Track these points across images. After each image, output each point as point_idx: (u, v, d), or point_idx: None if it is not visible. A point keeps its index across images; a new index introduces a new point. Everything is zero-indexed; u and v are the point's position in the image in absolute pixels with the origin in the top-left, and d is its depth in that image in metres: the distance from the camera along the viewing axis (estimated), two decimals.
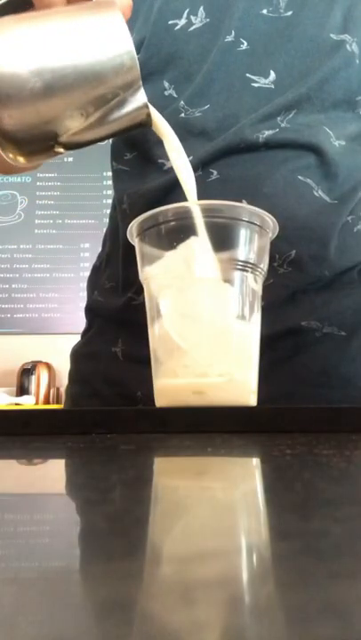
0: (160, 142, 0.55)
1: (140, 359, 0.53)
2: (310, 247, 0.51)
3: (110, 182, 0.64)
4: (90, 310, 0.63)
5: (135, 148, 0.58)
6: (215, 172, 0.51)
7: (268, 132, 0.51)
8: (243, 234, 0.39)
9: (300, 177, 0.51)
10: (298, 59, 0.53)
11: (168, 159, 0.53)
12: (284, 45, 0.53)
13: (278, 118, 0.52)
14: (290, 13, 0.53)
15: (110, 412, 0.31)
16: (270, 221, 0.40)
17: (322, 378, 0.51)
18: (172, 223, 0.39)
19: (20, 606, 0.08)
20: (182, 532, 0.12)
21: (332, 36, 0.53)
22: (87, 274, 0.67)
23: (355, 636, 0.07)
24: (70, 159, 2.48)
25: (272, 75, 0.53)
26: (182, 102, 0.54)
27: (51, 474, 0.22)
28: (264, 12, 0.54)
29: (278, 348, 0.51)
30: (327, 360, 0.52)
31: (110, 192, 0.87)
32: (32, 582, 0.09)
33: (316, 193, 0.51)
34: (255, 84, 0.53)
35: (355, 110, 0.55)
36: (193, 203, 0.39)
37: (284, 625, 0.07)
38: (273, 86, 0.53)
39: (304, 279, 0.51)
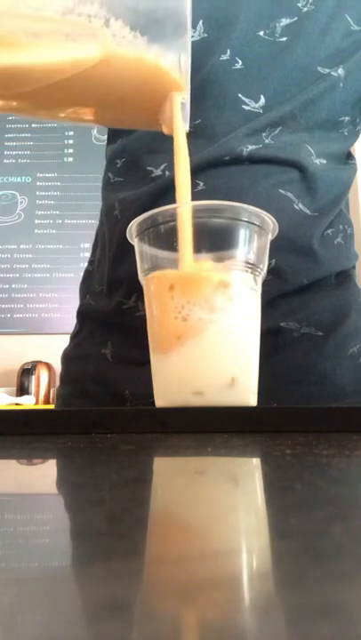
0: (151, 151, 0.57)
1: (128, 360, 0.56)
2: (289, 257, 0.53)
3: None
4: (81, 313, 0.64)
5: (124, 154, 0.60)
6: (201, 184, 0.53)
7: (251, 147, 0.53)
8: (242, 234, 0.39)
9: (281, 190, 0.53)
10: (286, 86, 0.54)
11: (156, 167, 0.55)
12: (275, 72, 0.54)
13: (263, 134, 0.54)
14: (284, 39, 0.55)
15: (110, 412, 0.31)
16: (270, 221, 0.40)
17: (300, 375, 0.54)
18: (172, 223, 0.39)
19: (20, 606, 0.08)
20: (182, 532, 0.12)
21: (319, 69, 0.55)
22: None
23: (355, 636, 0.07)
24: (70, 159, 2.48)
25: (262, 100, 0.54)
26: None
27: (51, 474, 0.22)
28: (261, 33, 0.55)
29: (259, 348, 0.52)
30: (305, 359, 0.54)
31: None
32: (32, 582, 0.09)
33: (296, 206, 0.53)
34: (246, 107, 0.55)
35: (339, 130, 0.57)
36: (193, 203, 0.39)
37: (284, 625, 0.07)
38: (261, 111, 0.54)
39: (284, 286, 0.53)
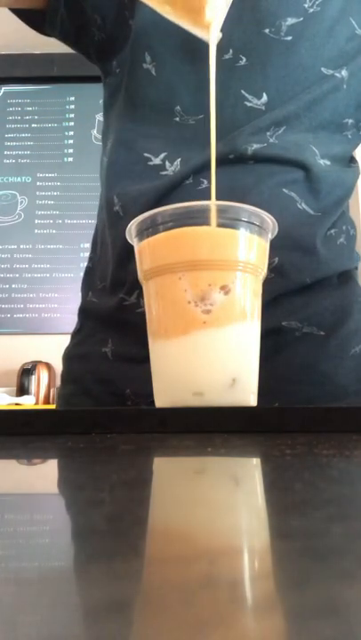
0: (147, 136, 0.57)
1: (128, 358, 0.56)
2: (293, 256, 0.53)
3: None
4: (83, 311, 0.64)
5: (110, 133, 0.60)
6: (205, 182, 0.53)
7: (256, 146, 0.53)
8: (243, 234, 0.39)
9: (284, 190, 0.53)
10: (289, 85, 0.55)
11: (155, 155, 0.55)
12: (279, 71, 0.55)
13: (268, 133, 0.54)
14: (289, 38, 0.55)
15: (110, 412, 0.31)
16: (270, 221, 0.40)
17: (301, 375, 0.54)
18: (171, 224, 0.39)
19: (20, 606, 0.08)
20: (182, 532, 0.12)
21: (323, 70, 0.55)
22: None
23: (355, 636, 0.07)
24: (70, 159, 2.48)
25: (264, 97, 0.55)
26: (178, 107, 0.55)
27: (51, 474, 0.22)
28: (266, 31, 0.55)
29: (260, 347, 0.52)
30: (307, 358, 0.54)
31: None
32: (32, 582, 0.09)
33: (299, 206, 0.54)
34: (248, 103, 0.55)
35: (342, 132, 0.58)
36: (193, 204, 0.39)
37: (284, 625, 0.07)
38: (263, 108, 0.55)
39: (286, 285, 0.53)
